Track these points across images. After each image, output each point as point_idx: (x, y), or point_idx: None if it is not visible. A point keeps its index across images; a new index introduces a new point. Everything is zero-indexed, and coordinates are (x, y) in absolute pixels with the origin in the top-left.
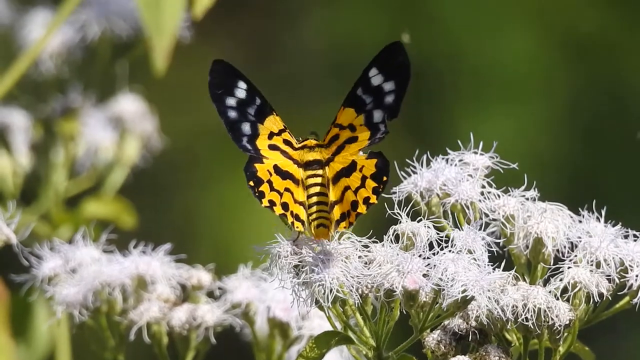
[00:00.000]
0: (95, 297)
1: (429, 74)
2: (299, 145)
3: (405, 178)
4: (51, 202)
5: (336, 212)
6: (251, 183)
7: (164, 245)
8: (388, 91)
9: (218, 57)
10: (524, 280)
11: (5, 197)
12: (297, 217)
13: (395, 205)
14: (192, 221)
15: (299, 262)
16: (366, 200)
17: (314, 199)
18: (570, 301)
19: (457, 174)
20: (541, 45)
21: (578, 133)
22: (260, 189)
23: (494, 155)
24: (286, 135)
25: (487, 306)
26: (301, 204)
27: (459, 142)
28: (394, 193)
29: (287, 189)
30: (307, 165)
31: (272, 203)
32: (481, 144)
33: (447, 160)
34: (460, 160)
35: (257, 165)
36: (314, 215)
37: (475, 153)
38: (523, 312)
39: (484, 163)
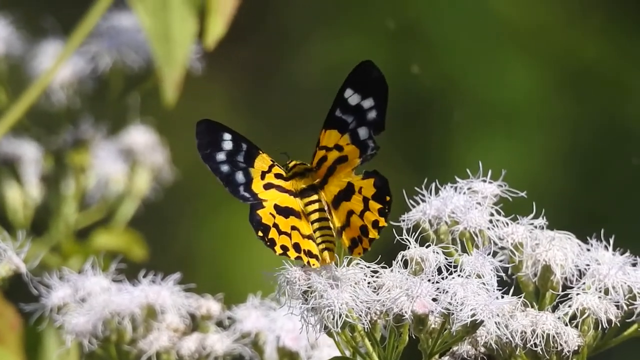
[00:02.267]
0: (104, 326)
1: (427, 103)
2: (289, 174)
3: (413, 207)
4: (61, 233)
5: (345, 239)
6: (260, 233)
7: (173, 275)
8: (368, 108)
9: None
10: (533, 307)
11: (15, 229)
12: (309, 254)
13: (404, 232)
14: (198, 252)
15: (307, 287)
16: (375, 225)
17: (316, 225)
18: (579, 327)
19: (466, 202)
20: (540, 77)
21: (577, 163)
22: (270, 236)
23: (502, 184)
24: (276, 169)
25: (496, 332)
26: (309, 237)
27: (468, 170)
28: (403, 221)
29: (293, 227)
30: (302, 193)
31: (284, 248)
32: (490, 172)
33: (455, 188)
34: (469, 189)
35: (259, 212)
36: (319, 240)
37: (484, 181)
38: (532, 337)
39: (492, 191)
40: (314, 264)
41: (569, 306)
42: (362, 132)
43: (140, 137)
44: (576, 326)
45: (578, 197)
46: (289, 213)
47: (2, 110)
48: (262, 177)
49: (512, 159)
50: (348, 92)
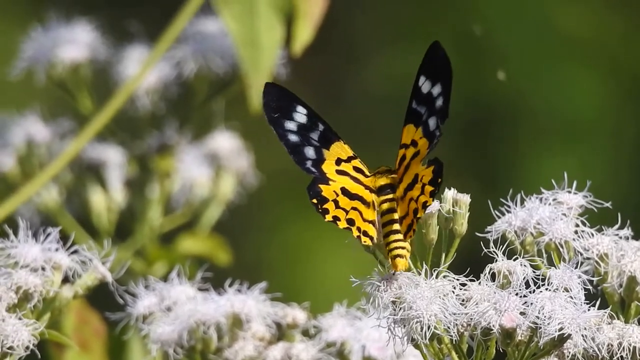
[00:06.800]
0: (190, 336)
1: (494, 115)
2: (371, 173)
3: (498, 217)
4: (146, 238)
5: (403, 227)
6: (314, 200)
7: (259, 284)
8: (437, 95)
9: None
10: (618, 318)
11: (100, 233)
12: (365, 233)
13: (491, 244)
14: (287, 257)
15: (396, 298)
16: (424, 205)
17: (391, 227)
18: None
19: (551, 213)
20: (606, 89)
21: None
22: (325, 206)
23: (588, 194)
24: (356, 163)
25: (583, 345)
26: (371, 222)
27: (553, 181)
28: (489, 232)
29: (354, 208)
30: (380, 191)
31: (336, 218)
32: (575, 183)
33: (540, 199)
34: (554, 200)
35: (321, 186)
36: (391, 245)
37: (569, 192)
38: (618, 350)
39: (577, 202)
40: (365, 241)
41: None
42: (432, 123)
43: (225, 142)
44: None
45: None
46: (355, 198)
47: (87, 115)
48: (338, 163)
49: (575, 171)
50: (421, 80)
